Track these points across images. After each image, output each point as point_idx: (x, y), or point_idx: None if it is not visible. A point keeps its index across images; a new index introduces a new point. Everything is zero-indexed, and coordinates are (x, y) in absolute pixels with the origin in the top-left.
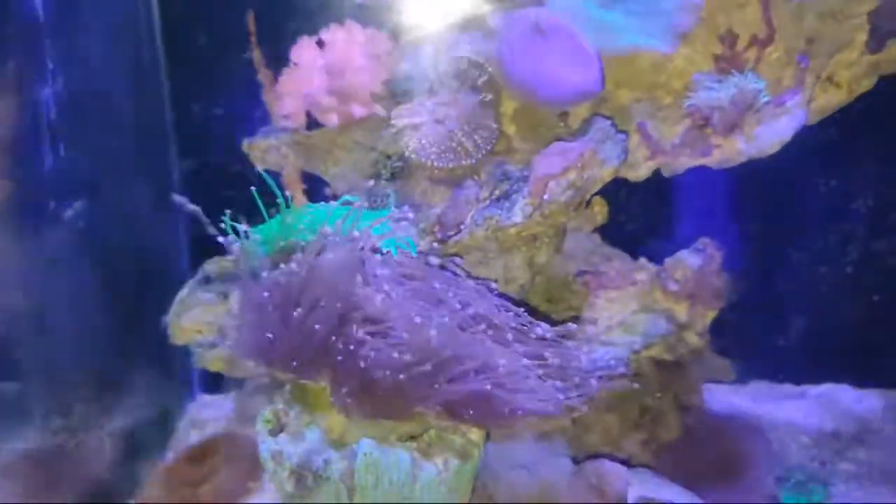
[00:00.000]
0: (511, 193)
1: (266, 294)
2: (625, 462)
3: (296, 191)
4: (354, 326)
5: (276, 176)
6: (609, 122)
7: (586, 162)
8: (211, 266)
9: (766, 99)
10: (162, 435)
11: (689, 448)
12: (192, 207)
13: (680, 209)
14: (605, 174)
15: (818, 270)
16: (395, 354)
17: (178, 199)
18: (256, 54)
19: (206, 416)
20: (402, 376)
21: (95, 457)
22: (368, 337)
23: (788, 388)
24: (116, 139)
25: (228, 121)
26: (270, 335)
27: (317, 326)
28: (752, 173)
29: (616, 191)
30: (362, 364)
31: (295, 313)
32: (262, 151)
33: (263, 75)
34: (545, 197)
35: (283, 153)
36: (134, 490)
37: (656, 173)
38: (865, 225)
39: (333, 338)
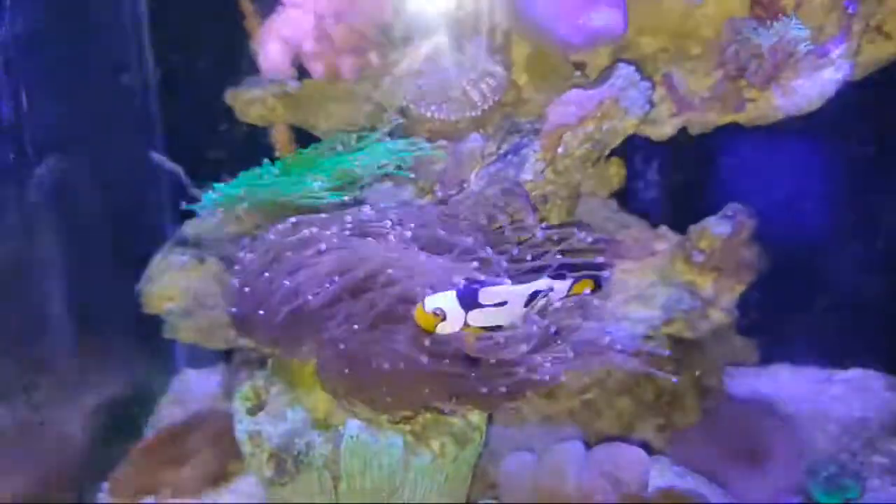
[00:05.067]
0: (521, 148)
1: (251, 260)
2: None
3: (285, 148)
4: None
5: (264, 131)
6: (633, 68)
7: (606, 111)
8: (190, 228)
9: (807, 48)
10: (142, 412)
11: (708, 435)
12: (172, 166)
13: (707, 173)
14: (628, 125)
15: (850, 246)
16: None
17: (156, 156)
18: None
19: (191, 393)
20: (401, 365)
21: (63, 436)
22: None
23: (814, 372)
24: (91, 89)
25: (216, 72)
26: (253, 303)
27: (308, 297)
28: (784, 135)
29: (637, 151)
30: (355, 344)
31: (283, 282)
32: (247, 104)
33: (250, 23)
34: (559, 150)
35: (269, 106)
36: (108, 471)
37: (682, 131)
38: None
39: (326, 311)
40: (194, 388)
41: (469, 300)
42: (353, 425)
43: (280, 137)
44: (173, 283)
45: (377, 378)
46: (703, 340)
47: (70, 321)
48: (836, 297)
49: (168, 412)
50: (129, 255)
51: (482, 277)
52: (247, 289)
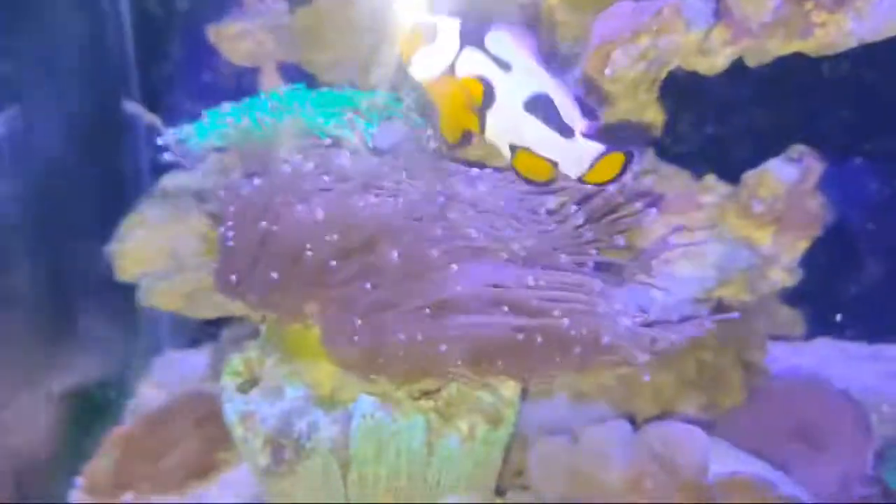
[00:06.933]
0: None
1: (245, 200)
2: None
3: (274, 87)
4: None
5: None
6: None
7: (666, 22)
8: (170, 181)
9: None
10: (119, 397)
11: (759, 414)
12: (149, 116)
13: (763, 113)
14: (691, 41)
15: None
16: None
17: (131, 106)
18: None
19: (174, 375)
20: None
21: (30, 424)
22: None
23: (859, 347)
24: (53, 33)
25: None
26: (243, 257)
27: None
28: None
29: (679, 89)
30: (368, 300)
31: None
32: (233, 39)
33: None
34: (606, 72)
35: (259, 40)
36: (82, 463)
37: (736, 64)
38: None
39: (331, 262)
40: (178, 369)
41: (473, 34)
42: (367, 402)
43: (270, 78)
44: (149, 242)
45: (398, 344)
46: (747, 310)
47: (34, 293)
48: (887, 263)
49: (148, 396)
50: (101, 219)
51: None
52: (233, 241)
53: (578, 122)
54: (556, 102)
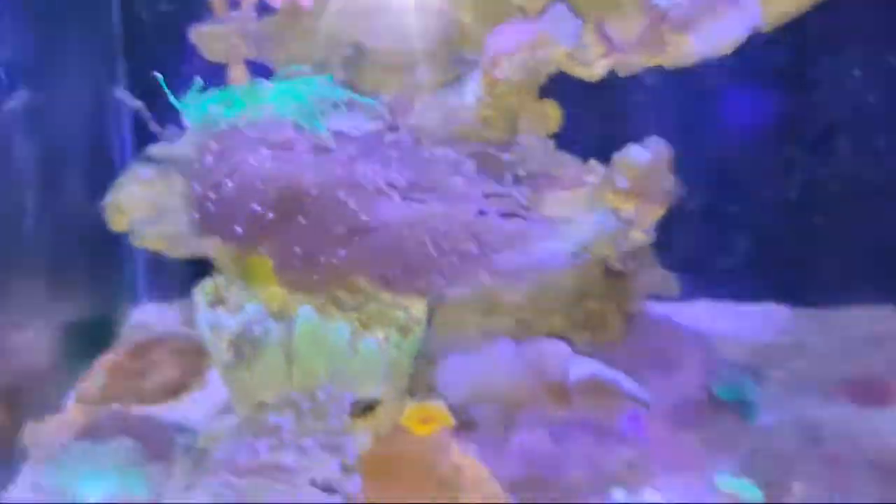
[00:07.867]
0: (464, 77)
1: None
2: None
3: (242, 83)
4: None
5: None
6: (566, 6)
7: (540, 40)
8: (155, 150)
9: None
10: (104, 334)
11: (627, 349)
12: (135, 102)
13: (634, 115)
14: (559, 54)
15: (763, 192)
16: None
17: (121, 93)
18: None
19: (152, 322)
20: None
21: (32, 347)
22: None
23: (728, 305)
24: (59, 29)
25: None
26: (214, 202)
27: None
28: (705, 77)
29: (572, 93)
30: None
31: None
32: (211, 40)
33: None
34: (497, 74)
35: (232, 42)
36: (73, 383)
37: (613, 75)
38: (811, 149)
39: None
40: (154, 318)
41: None
42: (307, 311)
43: (237, 75)
44: (138, 196)
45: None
46: (628, 270)
47: (41, 243)
48: (752, 236)
49: (130, 335)
50: (90, 189)
51: None
52: (208, 192)
53: None
54: None
